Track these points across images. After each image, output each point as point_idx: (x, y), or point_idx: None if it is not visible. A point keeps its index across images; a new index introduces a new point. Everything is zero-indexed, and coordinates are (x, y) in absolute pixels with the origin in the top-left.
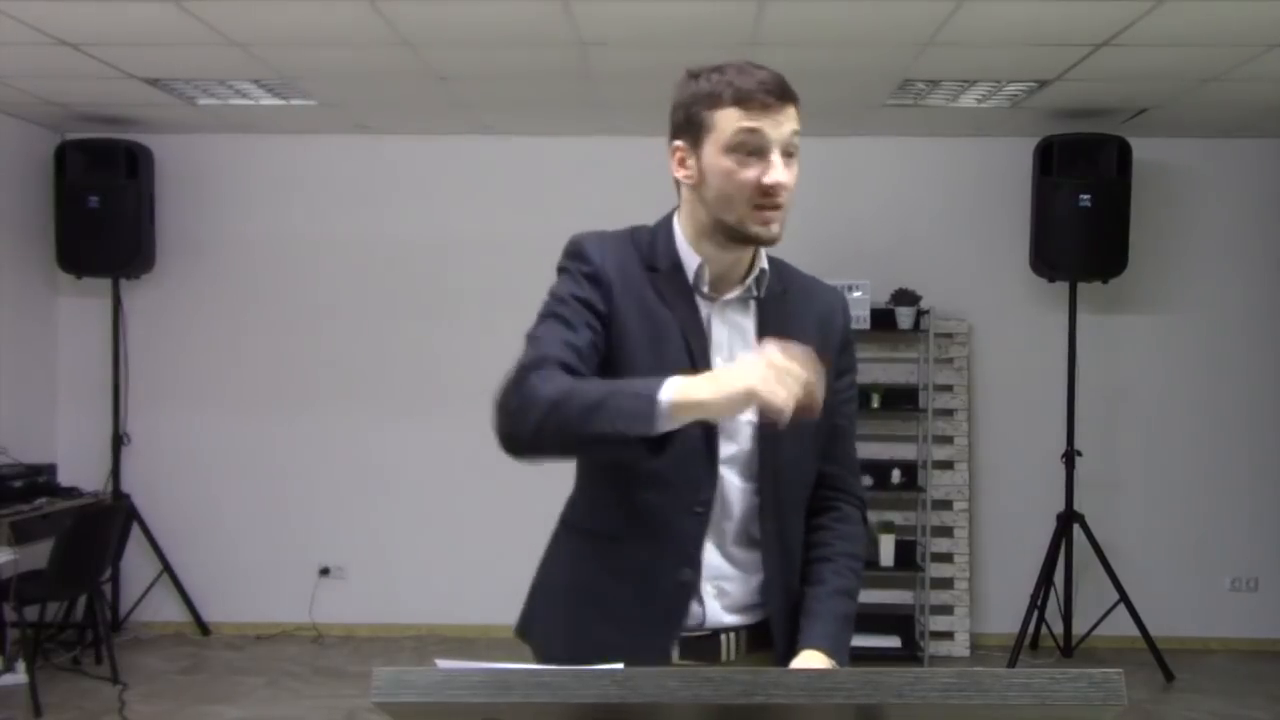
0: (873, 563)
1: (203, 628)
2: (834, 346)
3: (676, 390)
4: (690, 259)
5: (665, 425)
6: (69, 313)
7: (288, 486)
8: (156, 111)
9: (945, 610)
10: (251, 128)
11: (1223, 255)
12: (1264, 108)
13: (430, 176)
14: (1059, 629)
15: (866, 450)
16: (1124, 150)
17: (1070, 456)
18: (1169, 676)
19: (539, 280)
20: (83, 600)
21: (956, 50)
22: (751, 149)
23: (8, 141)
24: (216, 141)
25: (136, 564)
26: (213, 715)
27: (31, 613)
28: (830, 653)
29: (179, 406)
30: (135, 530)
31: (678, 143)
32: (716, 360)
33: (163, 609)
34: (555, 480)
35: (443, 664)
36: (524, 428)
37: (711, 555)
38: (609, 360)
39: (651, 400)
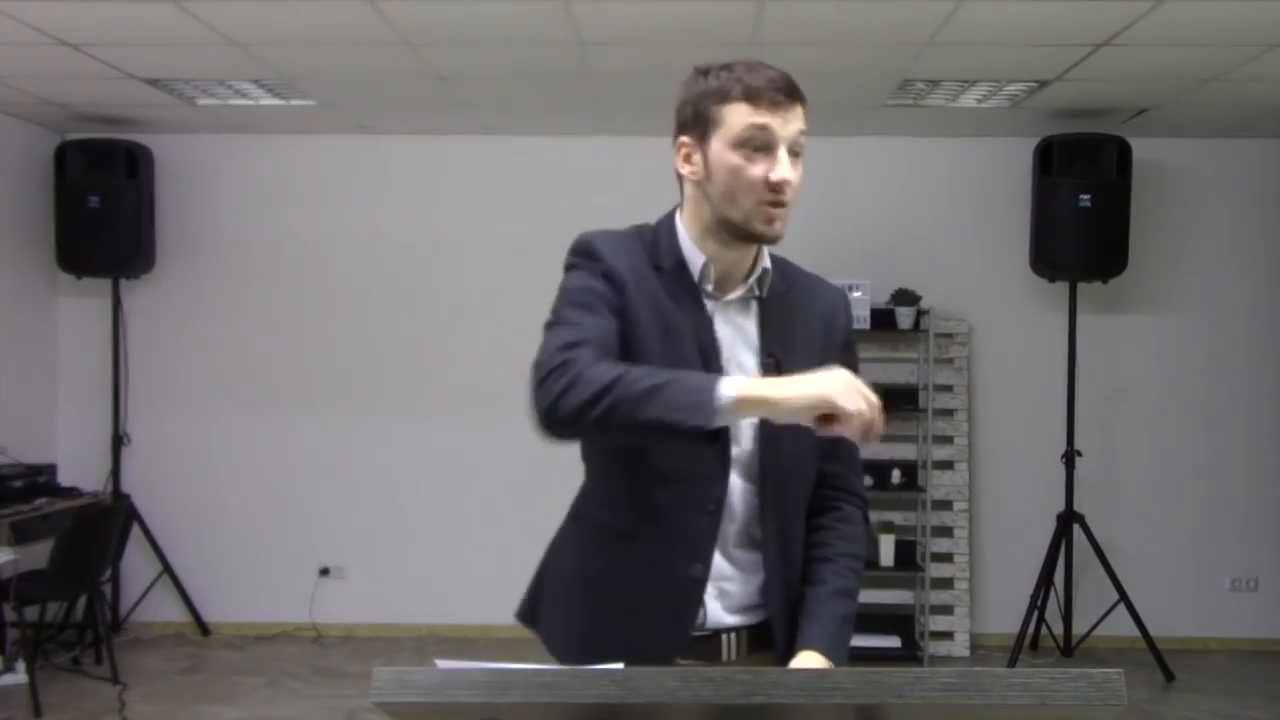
0: (873, 563)
1: (203, 628)
2: (837, 345)
3: (742, 387)
4: (695, 257)
5: (723, 420)
6: (69, 313)
7: (288, 486)
8: (156, 111)
9: (945, 610)
10: (251, 128)
11: (1223, 255)
12: (1264, 108)
13: (430, 176)
14: (1059, 629)
15: (866, 450)
16: (1124, 150)
17: (1070, 456)
18: (1169, 676)
19: (539, 280)
20: (83, 600)
21: (956, 50)
22: (759, 145)
23: (8, 141)
24: (216, 141)
25: (136, 564)
26: (213, 715)
27: (31, 613)
28: (828, 653)
29: (179, 406)
30: (135, 530)
31: (684, 138)
32: (723, 359)
33: (163, 609)
34: (556, 480)
35: (443, 664)
36: (569, 406)
37: (714, 556)
38: (622, 357)
39: (711, 394)
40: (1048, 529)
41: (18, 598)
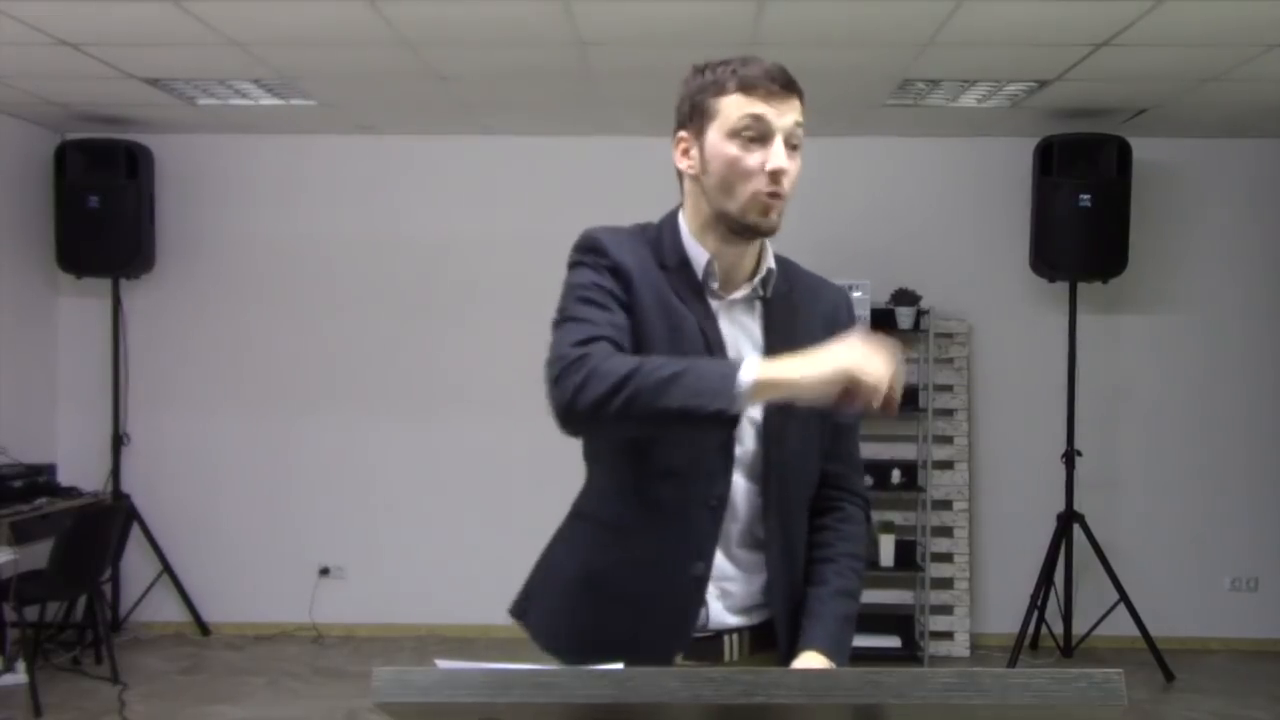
0: (873, 563)
1: (203, 628)
2: None
3: (761, 369)
4: (698, 255)
5: (745, 404)
6: (69, 313)
7: (288, 486)
8: (156, 111)
9: (945, 610)
10: (251, 128)
11: (1223, 255)
12: (1264, 108)
13: (431, 176)
14: (1059, 629)
15: (867, 450)
16: (1124, 150)
17: (1070, 456)
18: (1169, 676)
19: (539, 280)
20: (83, 600)
21: (956, 50)
22: (755, 135)
23: (8, 141)
24: (216, 141)
25: (136, 564)
26: (213, 715)
27: (31, 613)
28: (830, 654)
29: (179, 407)
30: (135, 530)
31: (682, 133)
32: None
33: (163, 609)
34: (556, 480)
35: (443, 664)
36: (588, 400)
37: (716, 556)
38: (630, 353)
39: (732, 378)
40: (1048, 529)
41: (18, 598)
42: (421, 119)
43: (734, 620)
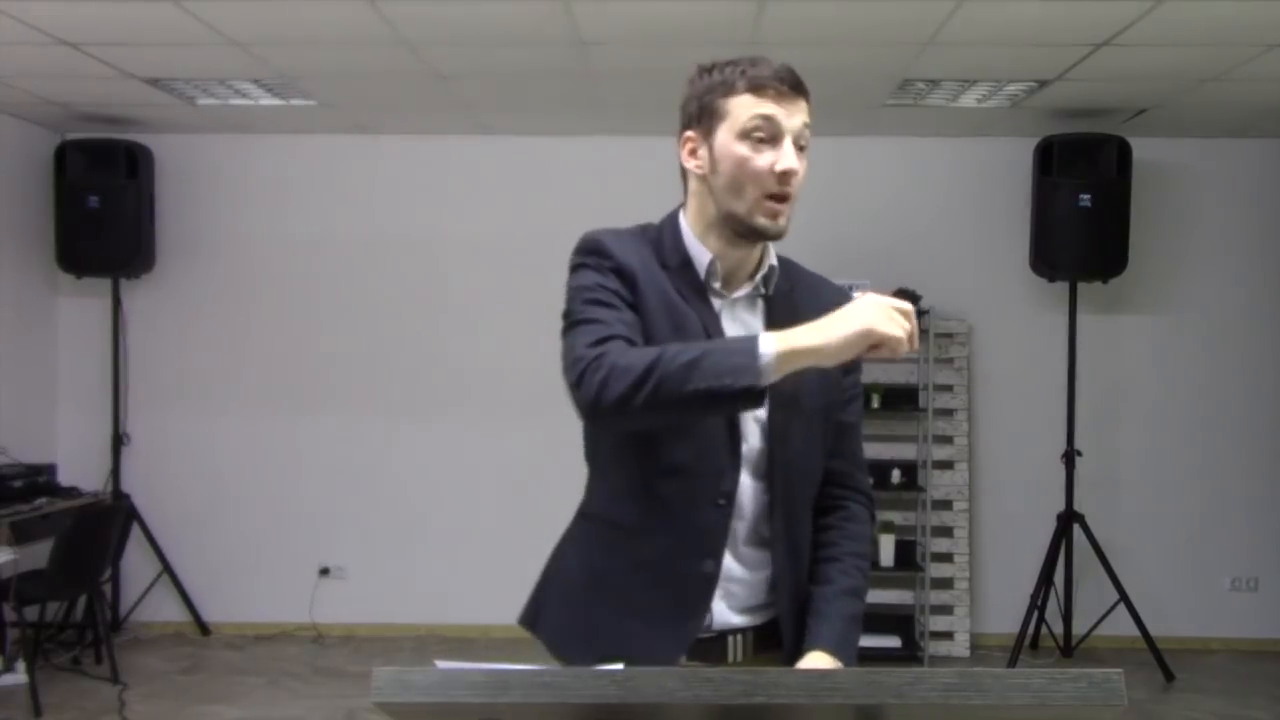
0: (873, 563)
1: (203, 628)
2: None
3: (781, 341)
4: (701, 254)
5: (770, 377)
6: (69, 313)
7: (288, 486)
8: (156, 111)
9: (945, 610)
10: (251, 128)
11: (1223, 255)
12: (1264, 108)
13: (430, 176)
14: (1059, 629)
15: (867, 450)
16: (1124, 150)
17: (1070, 456)
18: (1169, 676)
19: (538, 280)
20: (83, 600)
21: (956, 50)
22: (765, 136)
23: (8, 141)
24: (216, 141)
25: (136, 564)
26: (213, 715)
27: (31, 613)
28: (836, 653)
29: (179, 406)
30: (135, 530)
31: (689, 133)
32: None
33: (163, 609)
34: (556, 480)
35: (443, 664)
36: (613, 395)
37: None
38: None
39: (754, 353)
40: (1048, 529)
41: (18, 598)
42: (421, 119)
43: (738, 620)
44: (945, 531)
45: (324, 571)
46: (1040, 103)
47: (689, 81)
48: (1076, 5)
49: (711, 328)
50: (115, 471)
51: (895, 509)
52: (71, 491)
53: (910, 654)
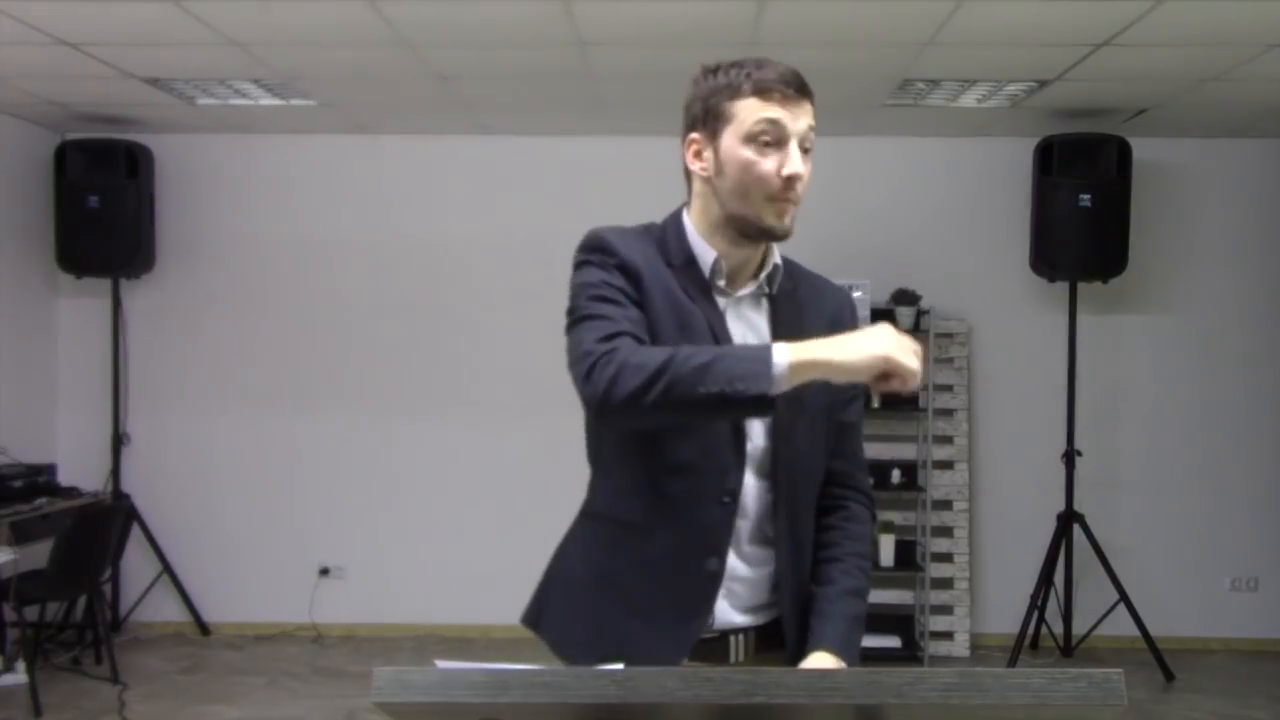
0: (873, 563)
1: (203, 628)
2: None
3: (795, 351)
4: (705, 253)
5: (782, 386)
6: (69, 313)
7: (288, 486)
8: (156, 111)
9: (945, 610)
10: (251, 128)
11: (1223, 255)
12: (1264, 108)
13: (430, 176)
14: (1059, 629)
15: (867, 450)
16: (1124, 150)
17: (1070, 456)
18: (1169, 676)
19: (539, 280)
20: (83, 600)
21: (956, 50)
22: (771, 139)
23: (8, 141)
24: (216, 141)
25: (136, 564)
26: (213, 715)
27: (31, 613)
28: (839, 653)
29: (179, 407)
30: (135, 530)
31: (694, 135)
32: None
33: (163, 609)
34: (556, 479)
35: (443, 664)
36: (622, 393)
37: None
38: None
39: (767, 361)
40: (1048, 529)
41: (18, 598)
42: (421, 119)
43: (741, 619)
44: (945, 531)
45: (324, 571)
46: (1040, 103)
47: (693, 82)
48: (1076, 5)
49: (716, 326)
50: (115, 471)
51: (895, 509)
52: (71, 491)
53: (910, 654)
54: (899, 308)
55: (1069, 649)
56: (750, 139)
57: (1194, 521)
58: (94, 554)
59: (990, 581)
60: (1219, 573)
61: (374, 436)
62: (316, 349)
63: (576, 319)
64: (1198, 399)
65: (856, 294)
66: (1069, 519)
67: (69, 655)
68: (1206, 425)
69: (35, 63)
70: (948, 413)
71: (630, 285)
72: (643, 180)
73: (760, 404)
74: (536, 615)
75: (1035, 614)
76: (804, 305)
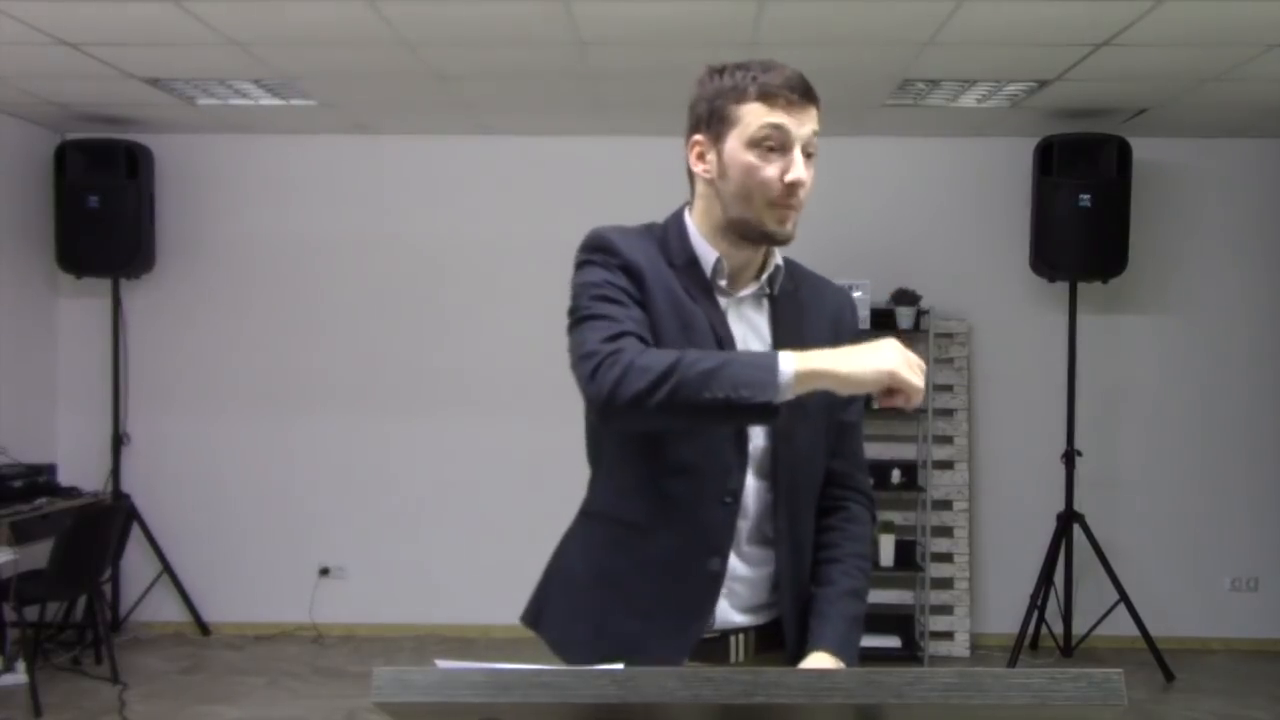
0: (873, 563)
1: (203, 628)
2: (845, 345)
3: (802, 361)
4: (707, 254)
5: (787, 395)
6: (69, 313)
7: (288, 486)
8: (156, 111)
9: (945, 610)
10: (251, 128)
11: (1223, 255)
12: (1264, 108)
13: (430, 176)
14: (1059, 629)
15: (867, 450)
16: (1124, 150)
17: (1070, 456)
18: (1169, 676)
19: (539, 280)
20: (83, 600)
21: (956, 50)
22: (774, 144)
23: (8, 141)
24: (216, 141)
25: (136, 564)
26: (213, 715)
27: (31, 613)
28: (838, 654)
29: (179, 407)
30: (135, 530)
31: (697, 137)
32: None
33: (163, 609)
34: (556, 479)
35: (443, 664)
36: (627, 394)
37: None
38: None
39: (774, 369)
40: (1048, 529)
41: (18, 598)
42: (421, 119)
43: (740, 619)
44: (945, 531)
45: (324, 571)
46: (1040, 103)
47: (698, 83)
48: (1076, 5)
49: (718, 326)
50: (115, 471)
51: (895, 509)
52: (71, 491)
53: (910, 654)
54: (899, 308)
55: (1069, 649)
56: (754, 144)
57: (1194, 521)
58: (94, 554)
59: (990, 581)
60: (1219, 573)
61: (374, 436)
62: (316, 348)
63: (579, 319)
64: (1198, 399)
65: (856, 294)
66: (1069, 519)
67: (69, 655)
68: (1207, 425)
69: (35, 63)
70: (948, 413)
71: (633, 285)
72: (643, 180)
73: (765, 412)
74: (536, 614)
75: (1035, 614)
76: (805, 306)
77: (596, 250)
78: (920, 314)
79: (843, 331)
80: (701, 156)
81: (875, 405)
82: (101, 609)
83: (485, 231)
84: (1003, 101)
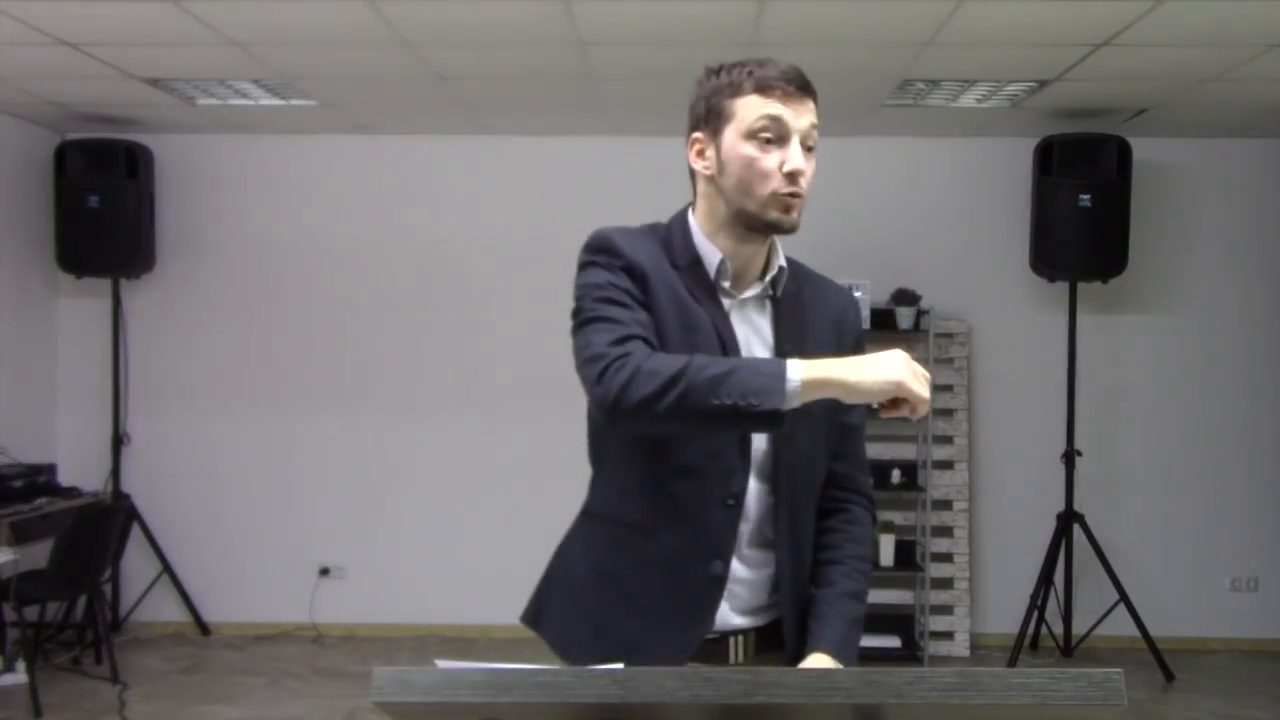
0: (873, 563)
1: (203, 628)
2: (847, 345)
3: (809, 369)
4: (710, 254)
5: (794, 402)
6: (69, 313)
7: (288, 486)
8: (156, 111)
9: (945, 610)
10: (251, 128)
11: (1222, 255)
12: (1264, 108)
13: (430, 176)
14: (1059, 629)
15: (867, 450)
16: (1124, 150)
17: (1070, 456)
18: (1169, 676)
19: (539, 280)
20: (83, 600)
21: (956, 50)
22: (772, 136)
23: (8, 141)
24: (216, 141)
25: (136, 564)
26: (213, 715)
27: (31, 613)
28: (838, 655)
29: (179, 407)
30: (135, 530)
31: (696, 134)
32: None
33: (163, 609)
34: (556, 479)
35: (443, 664)
36: (635, 398)
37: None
38: None
39: (781, 377)
40: (1048, 529)
41: (18, 598)
42: (421, 119)
43: (740, 621)
44: (945, 531)
45: (324, 571)
46: (1040, 103)
47: (697, 83)
48: (1076, 5)
49: (722, 327)
50: (115, 471)
51: (895, 509)
52: (71, 491)
53: (910, 654)
54: (899, 308)
55: (1069, 649)
56: (751, 135)
57: (1194, 521)
58: (94, 554)
59: (990, 581)
60: (1219, 573)
61: (374, 436)
62: (316, 349)
63: (584, 320)
64: (1198, 399)
65: (856, 294)
66: (1069, 519)
67: (69, 655)
68: (1206, 425)
69: (35, 63)
70: (948, 413)
71: (636, 287)
72: (643, 180)
73: (772, 419)
74: (537, 614)
75: (1035, 614)
76: (808, 307)
77: (599, 251)
78: (920, 314)
79: (846, 332)
80: (701, 154)
81: (880, 416)
82: (101, 609)
83: (485, 232)
84: (1003, 101)
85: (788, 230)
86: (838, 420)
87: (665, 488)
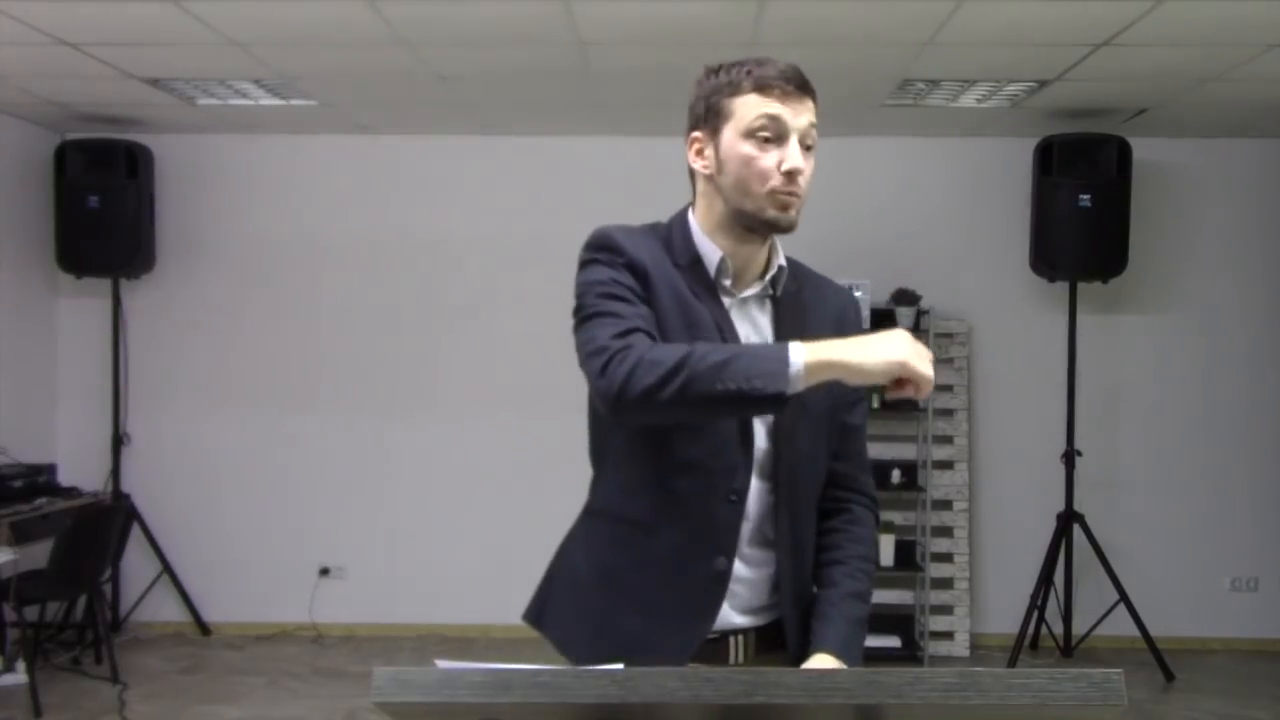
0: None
1: (203, 628)
2: None
3: (812, 351)
4: (711, 253)
5: (798, 386)
6: (69, 313)
7: (288, 486)
8: (156, 111)
9: (945, 610)
10: (251, 128)
11: (1222, 255)
12: (1264, 108)
13: (430, 176)
14: (1059, 629)
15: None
16: (1124, 150)
17: (1070, 456)
18: (1169, 676)
19: (538, 279)
20: (83, 600)
21: (956, 50)
22: (771, 135)
23: (8, 141)
24: (216, 141)
25: (136, 564)
26: (213, 715)
27: (31, 613)
28: (841, 656)
29: (179, 407)
30: (135, 530)
31: (696, 134)
32: None
33: (163, 609)
34: (556, 478)
35: (443, 664)
36: (638, 388)
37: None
38: None
39: (784, 360)
40: (1048, 529)
41: (18, 598)
42: (421, 119)
43: (741, 620)
44: (945, 531)
45: (324, 571)
46: (1040, 103)
47: (696, 83)
48: (1076, 5)
49: (723, 325)
50: (115, 471)
51: (895, 509)
52: (71, 491)
53: (910, 654)
54: (899, 308)
55: (1069, 649)
56: (750, 134)
57: (1194, 521)
58: (94, 554)
59: (990, 581)
60: (1219, 573)
61: (374, 436)
62: (317, 349)
63: (586, 316)
64: (1198, 399)
65: (856, 294)
66: (1069, 519)
67: (69, 655)
68: (1206, 425)
69: (35, 63)
70: (948, 413)
71: (638, 284)
72: (643, 180)
73: (776, 402)
74: (539, 613)
75: (1035, 614)
76: (808, 306)
77: (601, 249)
78: (920, 314)
79: (846, 332)
80: (700, 153)
81: (885, 396)
82: (101, 609)
83: (485, 231)
84: (1002, 101)
85: (785, 229)
86: (839, 420)
87: (668, 484)
